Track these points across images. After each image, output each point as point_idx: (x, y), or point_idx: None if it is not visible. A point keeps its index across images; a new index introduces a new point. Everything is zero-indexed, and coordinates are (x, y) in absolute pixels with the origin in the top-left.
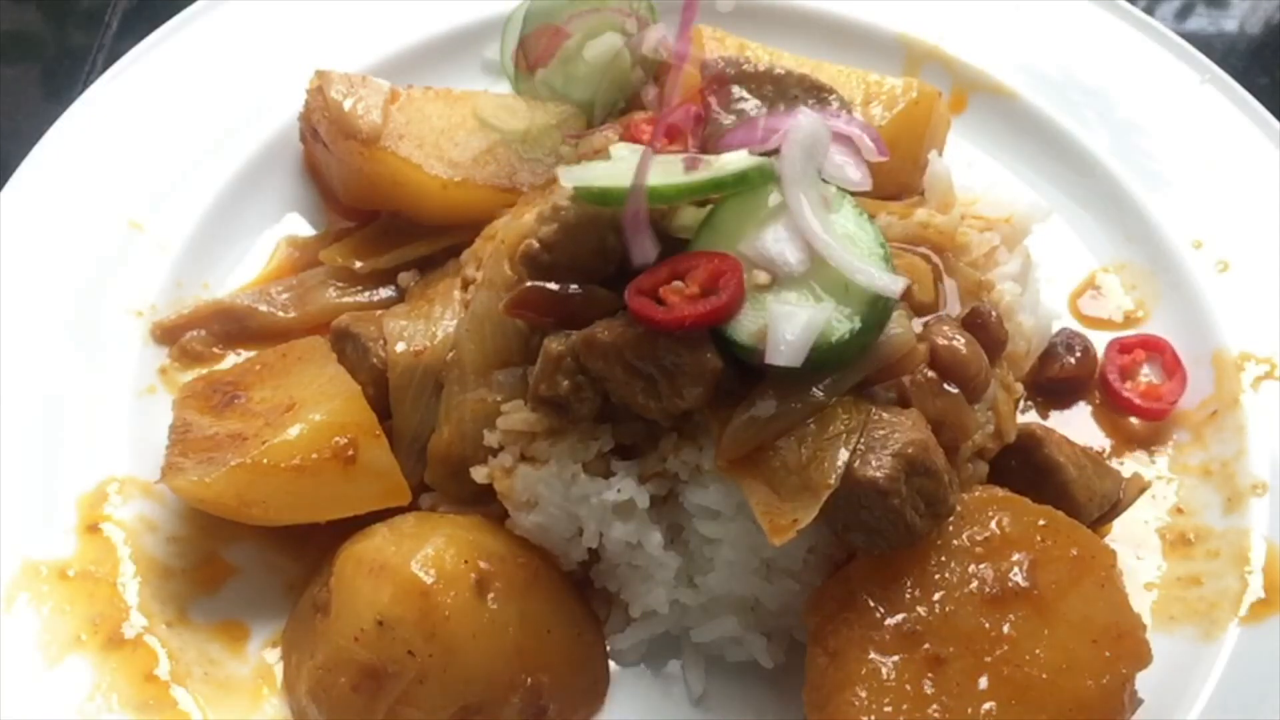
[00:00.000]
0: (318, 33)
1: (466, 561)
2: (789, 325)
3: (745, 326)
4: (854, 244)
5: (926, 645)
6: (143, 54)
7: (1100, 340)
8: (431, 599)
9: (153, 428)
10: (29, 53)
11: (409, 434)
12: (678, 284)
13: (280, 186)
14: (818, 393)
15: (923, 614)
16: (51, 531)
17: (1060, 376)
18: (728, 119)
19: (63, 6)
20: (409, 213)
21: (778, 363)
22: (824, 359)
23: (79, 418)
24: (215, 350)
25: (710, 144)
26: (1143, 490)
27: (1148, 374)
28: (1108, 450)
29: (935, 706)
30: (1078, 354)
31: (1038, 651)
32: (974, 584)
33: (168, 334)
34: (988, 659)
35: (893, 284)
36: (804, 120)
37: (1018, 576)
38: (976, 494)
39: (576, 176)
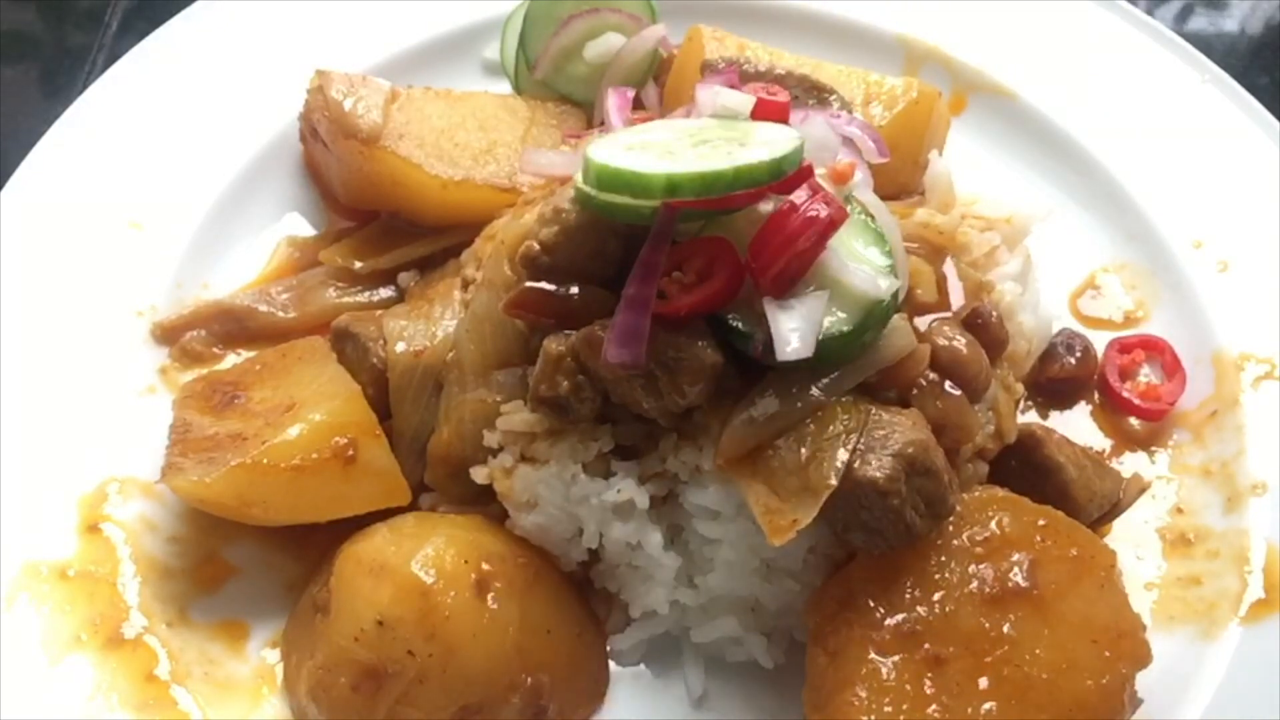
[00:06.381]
0: (318, 33)
1: (466, 561)
2: (789, 319)
3: (745, 313)
4: (856, 244)
5: (926, 645)
6: (143, 54)
7: (1100, 340)
8: (431, 599)
9: (153, 428)
10: (29, 53)
11: (409, 434)
12: (676, 274)
13: (280, 186)
14: (817, 392)
15: (923, 614)
16: (51, 531)
17: (1060, 376)
18: None
19: (63, 6)
20: (409, 213)
21: (788, 357)
22: (825, 356)
23: (79, 418)
24: (215, 350)
25: None
26: (1143, 490)
27: (1147, 374)
28: (1108, 450)
29: (935, 706)
30: (1078, 354)
31: (1038, 651)
32: (974, 584)
33: (168, 334)
34: (988, 659)
35: (887, 285)
36: (812, 127)
37: (1018, 576)
38: (976, 494)
39: (606, 155)
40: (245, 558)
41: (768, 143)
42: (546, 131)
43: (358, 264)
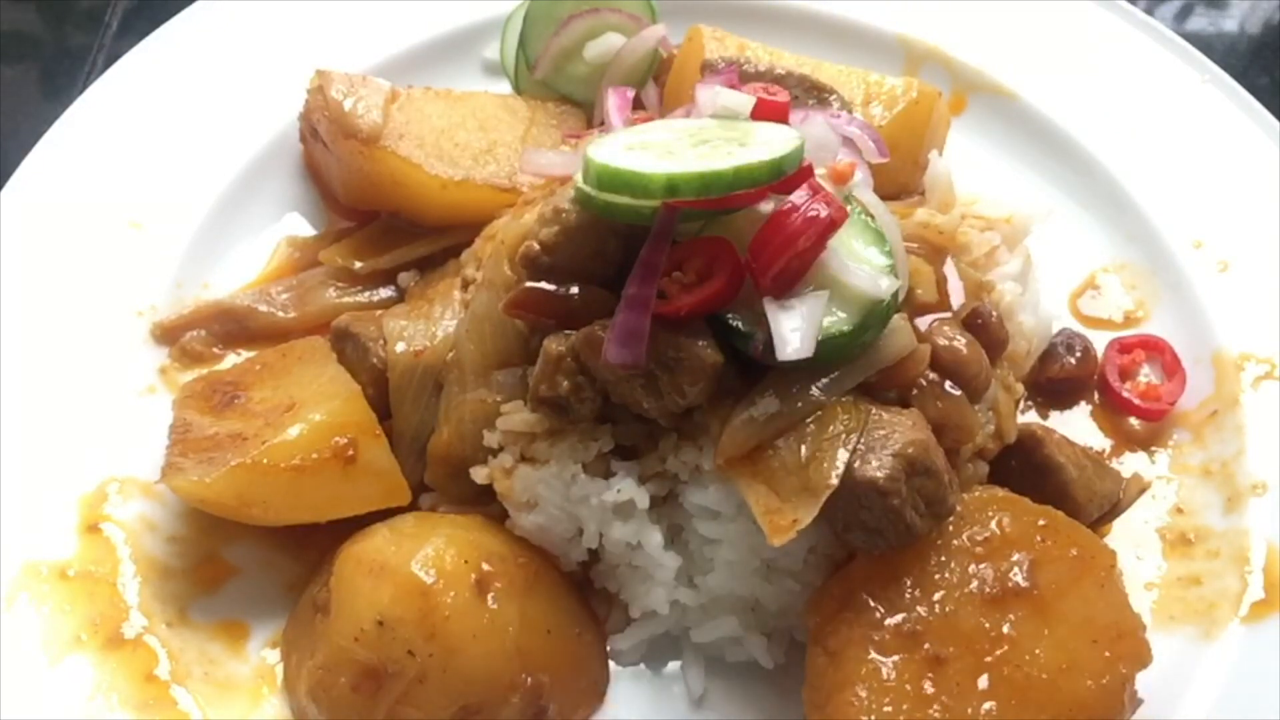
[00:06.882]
0: (318, 33)
1: (466, 561)
2: (789, 319)
3: (745, 313)
4: (856, 244)
5: (926, 645)
6: (143, 54)
7: (1100, 340)
8: (431, 599)
9: (153, 428)
10: (29, 53)
11: (409, 434)
12: (676, 274)
13: (280, 186)
14: (817, 392)
15: (923, 614)
16: (51, 531)
17: (1060, 376)
18: None
19: (63, 6)
20: (409, 213)
21: (788, 357)
22: (825, 356)
23: (79, 418)
24: (215, 350)
25: None
26: (1143, 490)
27: (1147, 374)
28: (1108, 450)
29: (935, 706)
30: (1078, 354)
31: (1038, 651)
32: (974, 584)
33: (168, 334)
34: (988, 659)
35: (887, 285)
36: (812, 127)
37: (1018, 576)
38: (976, 494)
39: (606, 155)
40: (245, 558)
41: (768, 143)
42: (546, 131)
43: (358, 264)
